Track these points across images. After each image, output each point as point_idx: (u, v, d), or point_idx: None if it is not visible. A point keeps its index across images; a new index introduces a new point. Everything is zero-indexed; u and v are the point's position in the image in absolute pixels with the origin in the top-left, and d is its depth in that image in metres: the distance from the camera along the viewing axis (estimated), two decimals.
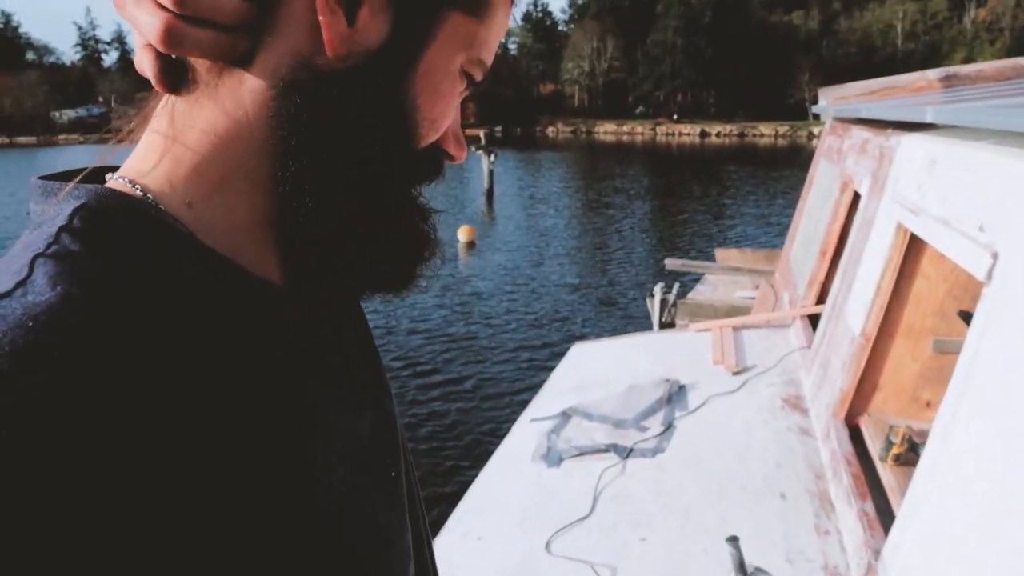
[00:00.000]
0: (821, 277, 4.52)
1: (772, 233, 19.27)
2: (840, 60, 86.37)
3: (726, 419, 3.20)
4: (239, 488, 0.49)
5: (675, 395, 3.45)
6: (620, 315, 11.79)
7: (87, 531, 0.42)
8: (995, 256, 1.77)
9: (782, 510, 2.57)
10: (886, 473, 2.52)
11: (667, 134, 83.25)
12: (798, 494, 2.61)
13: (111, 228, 0.52)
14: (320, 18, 0.55)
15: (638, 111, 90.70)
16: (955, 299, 2.92)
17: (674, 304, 9.70)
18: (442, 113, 0.64)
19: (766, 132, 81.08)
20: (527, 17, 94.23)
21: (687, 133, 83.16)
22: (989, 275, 1.78)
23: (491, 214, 23.35)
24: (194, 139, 0.57)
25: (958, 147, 2.32)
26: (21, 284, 0.47)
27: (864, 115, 3.69)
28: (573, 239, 18.76)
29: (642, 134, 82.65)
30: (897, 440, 2.56)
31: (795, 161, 47.52)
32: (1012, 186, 1.78)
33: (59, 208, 0.54)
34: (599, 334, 10.00)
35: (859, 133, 4.15)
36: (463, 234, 16.65)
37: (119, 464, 0.44)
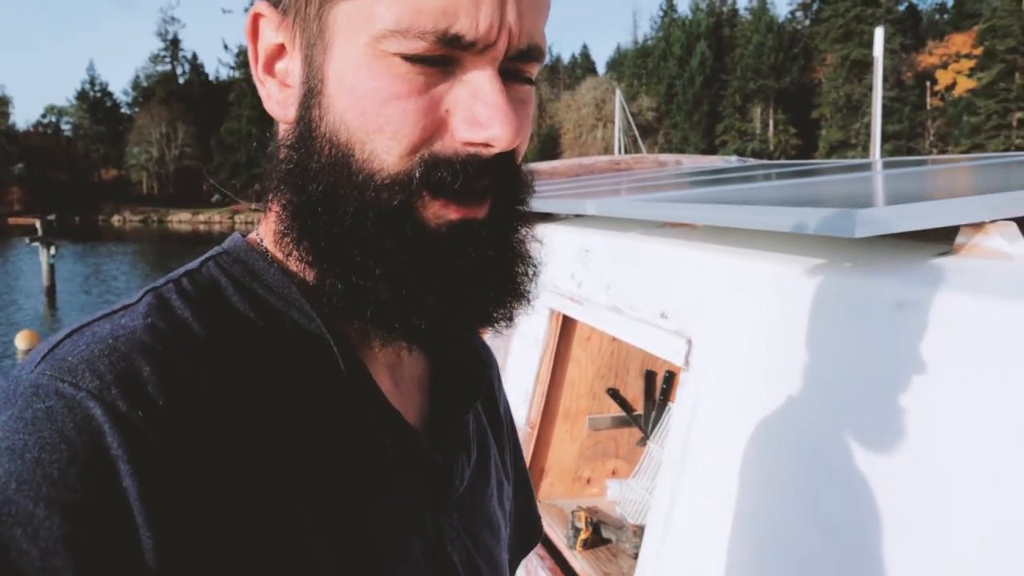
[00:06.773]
0: None
1: None
2: None
3: None
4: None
5: None
6: None
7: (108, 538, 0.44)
8: (690, 342, 1.86)
9: None
10: (578, 560, 2.52)
11: (247, 222, 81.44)
12: None
13: (230, 277, 0.58)
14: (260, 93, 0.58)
15: (214, 199, 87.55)
16: (602, 379, 3.10)
17: None
18: (386, 118, 0.53)
19: None
20: (83, 96, 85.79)
21: None
22: (686, 360, 1.86)
23: (54, 315, 20.40)
24: (277, 207, 0.61)
25: (614, 238, 2.47)
26: (126, 308, 0.52)
27: None
28: None
29: (220, 223, 79.27)
30: (582, 525, 2.59)
31: None
32: (699, 275, 1.89)
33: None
34: None
35: None
36: (22, 340, 13.98)
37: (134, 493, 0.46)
